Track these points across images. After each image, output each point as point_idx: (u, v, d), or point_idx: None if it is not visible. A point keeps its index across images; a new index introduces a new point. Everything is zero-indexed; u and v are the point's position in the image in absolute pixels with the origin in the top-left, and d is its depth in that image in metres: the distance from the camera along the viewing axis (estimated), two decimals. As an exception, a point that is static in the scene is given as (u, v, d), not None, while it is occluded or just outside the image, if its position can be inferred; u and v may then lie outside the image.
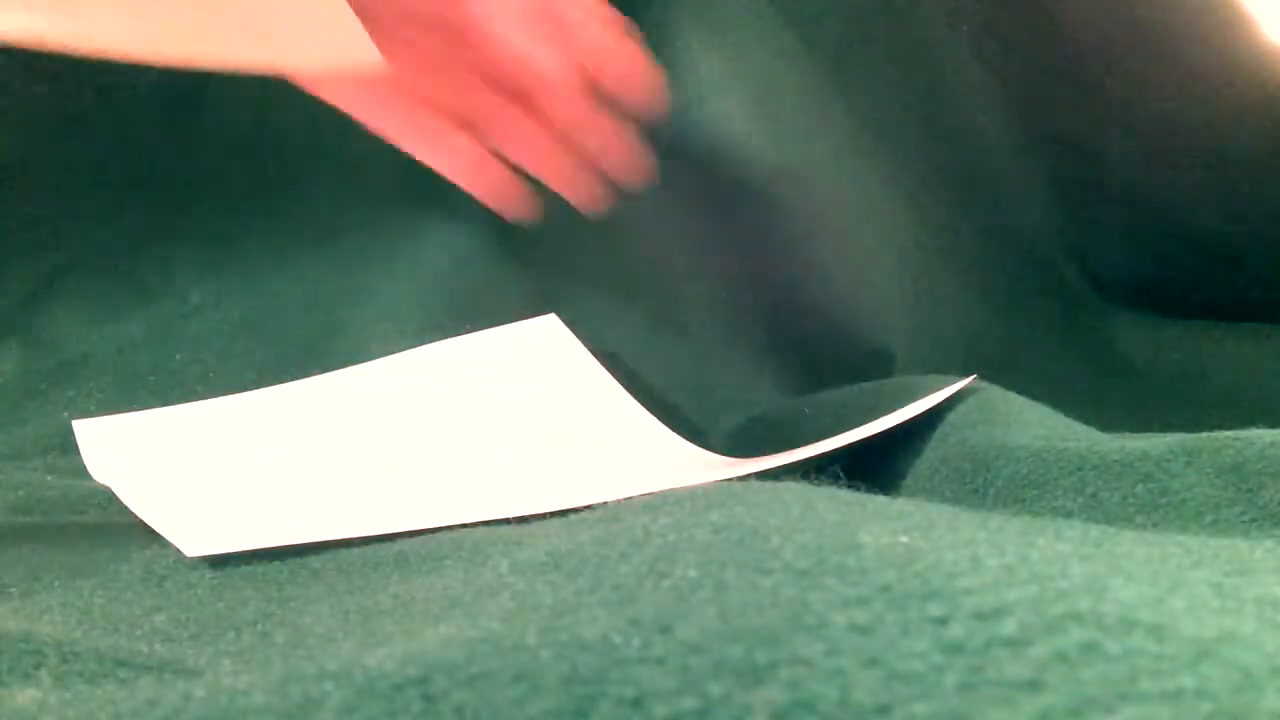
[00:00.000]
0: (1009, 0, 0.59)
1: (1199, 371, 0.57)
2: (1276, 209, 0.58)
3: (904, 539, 0.13)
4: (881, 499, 0.18)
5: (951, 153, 0.62)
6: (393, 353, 0.45)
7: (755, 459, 0.31)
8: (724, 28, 0.55)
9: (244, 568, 0.25)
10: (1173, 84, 0.58)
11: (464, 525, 0.26)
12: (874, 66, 0.59)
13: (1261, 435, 0.26)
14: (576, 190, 0.40)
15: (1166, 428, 0.35)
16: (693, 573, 0.13)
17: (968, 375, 0.39)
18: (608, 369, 0.43)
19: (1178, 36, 0.56)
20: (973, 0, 0.59)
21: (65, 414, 0.45)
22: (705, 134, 0.56)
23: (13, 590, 0.24)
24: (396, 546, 0.24)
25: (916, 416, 0.33)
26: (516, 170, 0.42)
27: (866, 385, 0.47)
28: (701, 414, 0.56)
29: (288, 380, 0.46)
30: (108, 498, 0.32)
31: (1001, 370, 0.56)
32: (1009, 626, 0.10)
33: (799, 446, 0.29)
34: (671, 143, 0.57)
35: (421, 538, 0.25)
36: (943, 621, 0.11)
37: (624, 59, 0.39)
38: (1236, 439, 0.26)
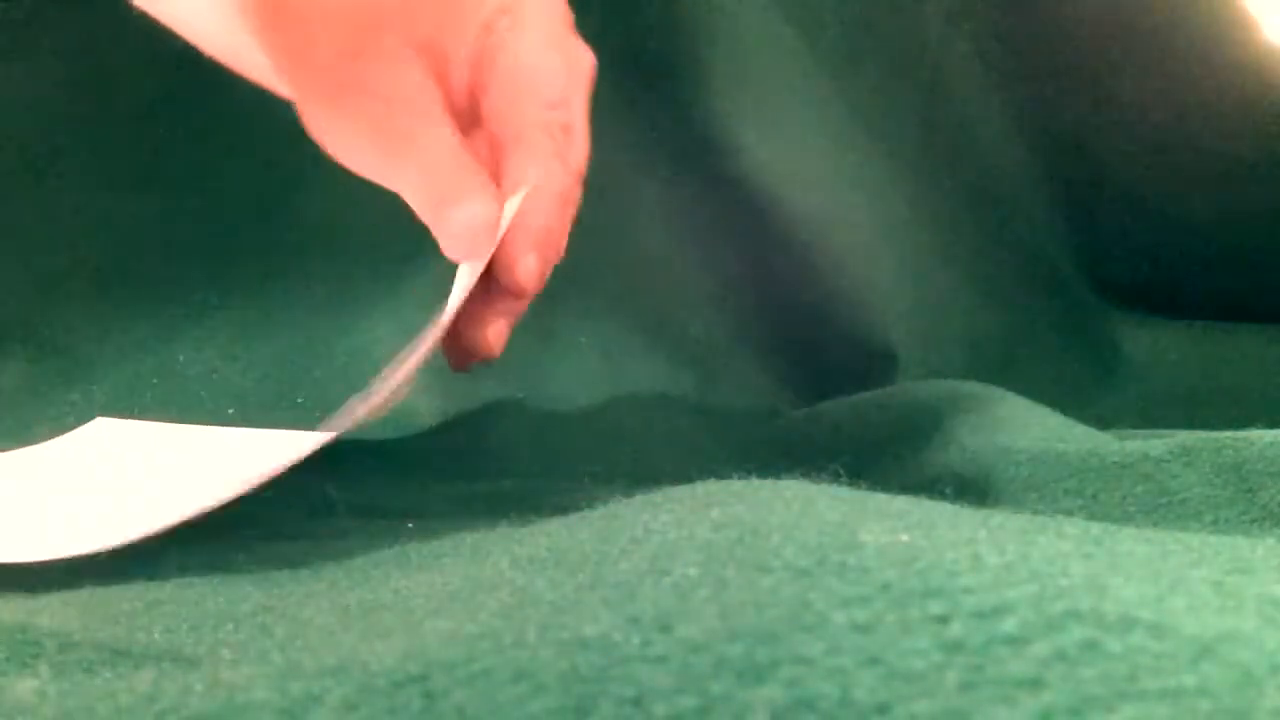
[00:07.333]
0: (1010, 1, 0.59)
1: (1199, 371, 0.57)
2: (1276, 210, 0.58)
3: (904, 537, 0.13)
4: (882, 496, 0.18)
5: (953, 153, 0.62)
6: (398, 353, 0.45)
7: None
8: (727, 28, 0.55)
9: (245, 566, 0.25)
10: (1173, 85, 0.58)
11: (465, 526, 0.26)
12: (875, 66, 0.59)
13: (1261, 435, 0.26)
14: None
15: (1166, 427, 0.35)
16: (693, 571, 0.13)
17: (969, 375, 0.39)
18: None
19: (1178, 37, 0.57)
20: (974, 1, 0.59)
21: (70, 417, 0.45)
22: (707, 134, 0.56)
23: (15, 591, 0.24)
24: (398, 545, 0.25)
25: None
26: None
27: (869, 395, 0.47)
28: (704, 415, 0.56)
29: (290, 379, 0.46)
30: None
31: (1002, 370, 0.56)
32: (1010, 625, 0.10)
33: (802, 461, 0.29)
34: (673, 144, 0.57)
35: (423, 537, 0.26)
36: (943, 620, 0.11)
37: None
38: (1236, 439, 0.26)
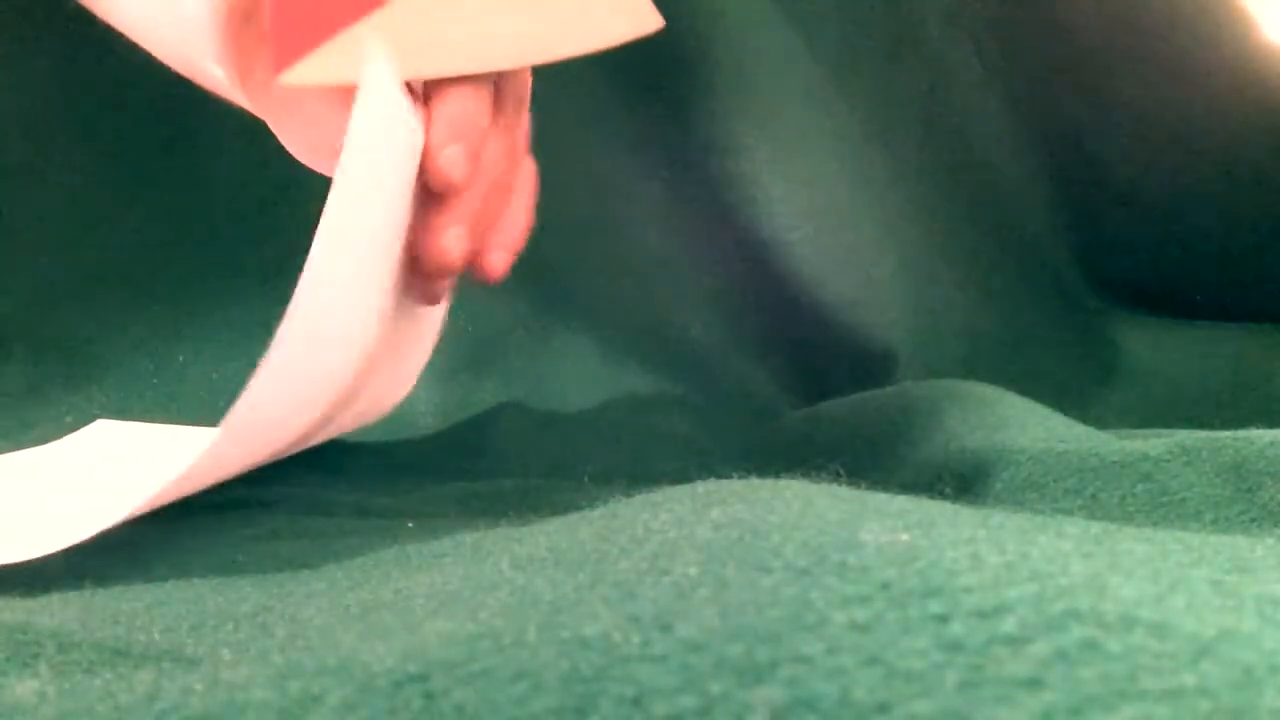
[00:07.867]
0: (1010, 0, 0.59)
1: (1199, 371, 0.57)
2: (1277, 210, 0.58)
3: (904, 537, 0.13)
4: (882, 496, 0.18)
5: (952, 153, 0.62)
6: None
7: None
8: (727, 28, 0.54)
9: (245, 567, 0.25)
10: (1173, 84, 0.58)
11: (465, 526, 0.26)
12: (874, 66, 0.59)
13: (1261, 435, 0.26)
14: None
15: (1166, 427, 0.35)
16: (693, 570, 0.13)
17: (969, 375, 0.39)
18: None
19: (1178, 37, 0.57)
20: (974, 0, 0.59)
21: (70, 417, 0.45)
22: (707, 134, 0.56)
23: (14, 591, 0.24)
24: (398, 545, 0.25)
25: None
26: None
27: (869, 395, 0.47)
28: (703, 415, 0.56)
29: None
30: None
31: (1002, 370, 0.56)
32: (1009, 624, 0.10)
33: (802, 461, 0.29)
34: (673, 143, 0.57)
35: (423, 537, 0.26)
36: (943, 619, 0.11)
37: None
38: (1235, 439, 0.26)
